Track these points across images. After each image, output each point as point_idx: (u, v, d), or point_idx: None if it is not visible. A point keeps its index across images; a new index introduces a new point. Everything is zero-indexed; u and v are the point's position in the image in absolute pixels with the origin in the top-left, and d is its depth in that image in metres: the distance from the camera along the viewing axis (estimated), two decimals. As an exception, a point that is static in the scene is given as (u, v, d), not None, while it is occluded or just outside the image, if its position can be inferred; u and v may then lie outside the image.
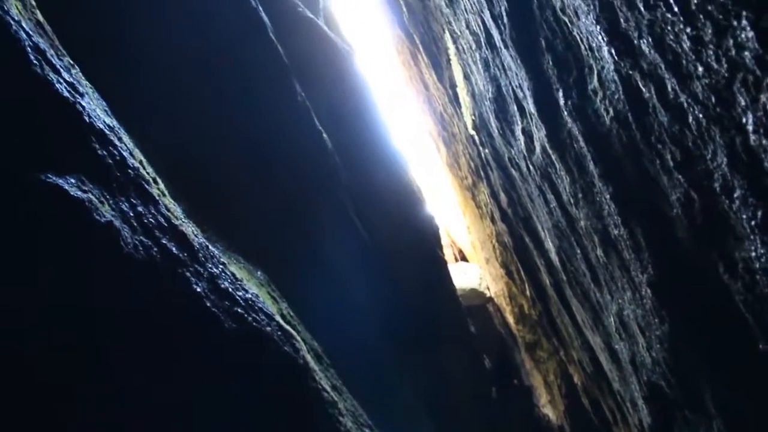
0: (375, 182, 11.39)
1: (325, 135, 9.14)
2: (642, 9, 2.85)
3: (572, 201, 5.70)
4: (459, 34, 8.46)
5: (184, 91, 6.52)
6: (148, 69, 6.09)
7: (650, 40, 2.94)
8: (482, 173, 12.35)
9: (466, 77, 9.54)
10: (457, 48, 9.41)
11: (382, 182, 11.67)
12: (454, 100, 11.72)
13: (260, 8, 8.61)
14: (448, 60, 10.89)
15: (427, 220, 13.27)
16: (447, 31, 9.76)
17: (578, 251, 6.50)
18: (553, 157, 5.71)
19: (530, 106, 5.72)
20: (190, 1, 7.02)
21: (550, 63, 4.70)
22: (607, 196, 4.64)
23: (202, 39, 6.98)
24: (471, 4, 6.74)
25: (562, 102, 4.75)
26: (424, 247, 12.46)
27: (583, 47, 3.99)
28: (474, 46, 7.56)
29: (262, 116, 7.48)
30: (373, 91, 12.83)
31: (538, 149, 6.22)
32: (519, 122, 6.59)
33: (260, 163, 7.15)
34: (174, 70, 6.44)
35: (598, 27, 3.43)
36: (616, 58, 3.42)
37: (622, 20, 3.11)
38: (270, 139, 7.45)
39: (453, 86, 11.34)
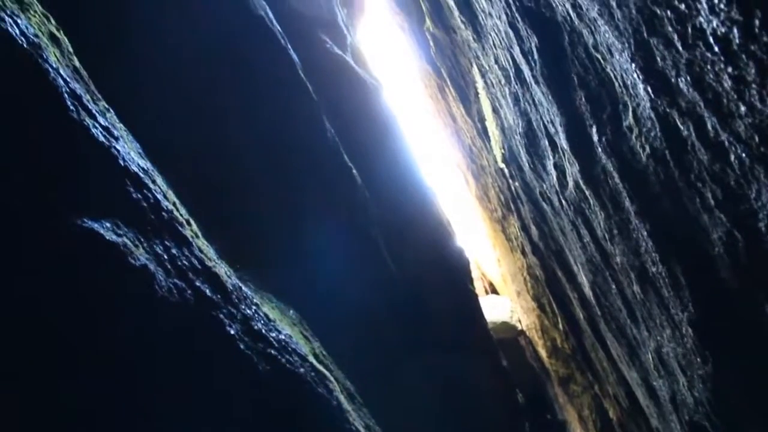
0: (404, 216, 11.34)
1: (354, 171, 9.15)
2: (680, 48, 2.81)
3: (607, 237, 5.61)
4: (487, 68, 8.46)
5: (215, 132, 6.58)
6: (181, 116, 6.16)
7: (688, 78, 2.89)
8: (512, 206, 12.26)
9: (495, 111, 9.53)
10: (485, 82, 9.42)
11: (411, 216, 11.62)
12: (483, 133, 11.70)
13: (289, 47, 8.72)
14: (476, 93, 10.89)
15: (457, 253, 13.17)
16: (475, 65, 9.78)
17: (613, 286, 6.39)
18: (587, 193, 5.64)
19: (562, 141, 5.67)
20: (222, 42, 7.13)
21: (583, 99, 4.66)
22: (645, 233, 4.56)
23: (233, 82, 7.07)
24: (500, 40, 6.74)
25: (595, 138, 4.70)
26: (454, 280, 12.35)
27: (617, 84, 3.94)
28: (503, 81, 7.55)
29: (294, 154, 7.51)
30: (402, 124, 12.86)
31: (570, 184, 6.15)
32: (550, 157, 6.53)
33: (292, 201, 7.18)
34: (203, 111, 6.52)
35: (634, 65, 3.39)
36: (652, 96, 3.38)
37: (658, 59, 3.07)
38: (301, 176, 7.49)
39: (481, 119, 11.33)
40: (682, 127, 3.24)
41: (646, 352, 6.32)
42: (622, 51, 3.46)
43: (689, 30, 2.64)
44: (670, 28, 2.79)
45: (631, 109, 3.88)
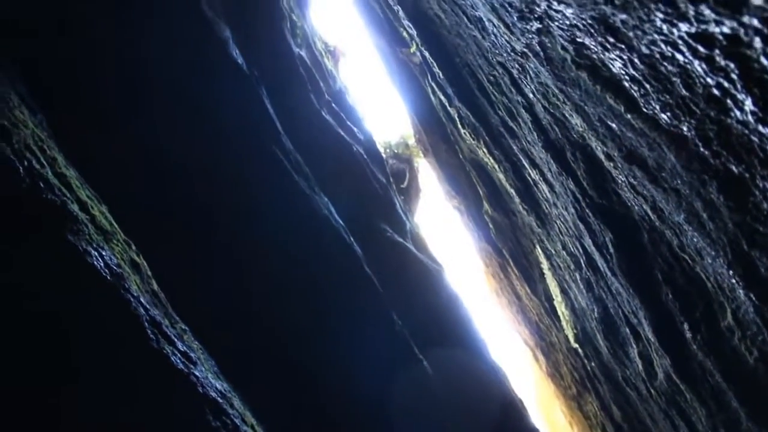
0: (475, 398, 10.89)
1: (424, 362, 8.91)
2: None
3: (711, 435, 5.16)
4: (553, 252, 8.38)
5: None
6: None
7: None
8: (589, 385, 11.67)
9: (564, 292, 9.32)
10: (551, 264, 9.30)
11: (481, 397, 11.14)
12: (551, 311, 11.41)
13: (352, 239, 8.86)
14: (541, 273, 10.75)
15: (532, 434, 12.42)
16: (538, 247, 9.72)
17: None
18: (682, 387, 5.27)
19: (647, 332, 5.41)
20: (290, 243, 7.29)
21: (670, 295, 4.47)
22: (760, 439, 4.16)
23: (305, 284, 7.15)
24: (567, 228, 6.70)
25: (689, 335, 4.44)
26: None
27: (709, 284, 3.76)
28: (573, 266, 7.42)
29: (364, 352, 7.39)
30: (466, 304, 12.69)
31: (660, 375, 5.79)
32: (633, 345, 6.22)
33: (375, 414, 6.96)
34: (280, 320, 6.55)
35: (731, 272, 3.23)
36: (757, 302, 3.18)
37: (762, 269, 2.91)
38: (374, 381, 7.30)
39: (548, 299, 11.09)
40: (796, 337, 3.00)
41: None
42: (716, 257, 3.31)
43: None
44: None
45: (729, 310, 3.67)
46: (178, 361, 4.04)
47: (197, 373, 4.10)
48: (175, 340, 4.25)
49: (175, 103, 6.56)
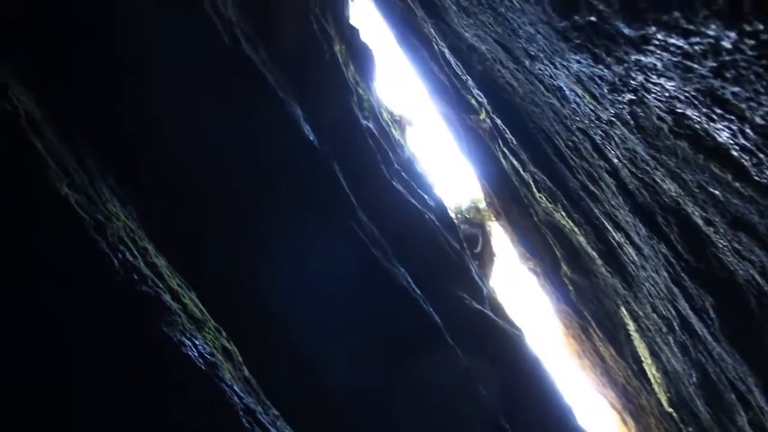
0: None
1: (507, 427, 8.64)
2: None
3: None
4: (641, 314, 8.08)
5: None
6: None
7: None
8: (686, 452, 11.04)
9: (654, 354, 8.94)
10: (638, 326, 8.97)
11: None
12: (640, 374, 10.96)
13: (431, 309, 8.77)
14: (627, 335, 10.38)
15: None
16: (623, 309, 9.40)
17: None
18: (802, 459, 4.91)
19: (759, 401, 5.08)
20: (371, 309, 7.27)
21: (785, 364, 4.20)
22: None
23: (386, 353, 7.08)
24: (657, 291, 6.46)
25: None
26: None
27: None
28: (664, 329, 7.12)
29: (449, 428, 7.21)
30: (549, 368, 12.32)
31: (775, 446, 5.42)
32: (742, 413, 5.87)
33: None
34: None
35: None
36: None
37: None
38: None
39: (637, 361, 10.67)
40: None
41: None
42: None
43: None
44: None
45: None
46: (274, 451, 4.01)
47: (294, 465, 4.06)
48: (269, 427, 4.23)
49: (254, 184, 6.73)
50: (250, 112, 7.22)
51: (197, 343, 4.25)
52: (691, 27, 1.95)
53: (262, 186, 6.97)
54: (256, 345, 5.16)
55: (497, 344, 10.63)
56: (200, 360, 4.12)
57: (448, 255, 11.05)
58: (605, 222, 6.64)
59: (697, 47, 2.03)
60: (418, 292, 8.71)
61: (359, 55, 13.16)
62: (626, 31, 2.30)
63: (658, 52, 2.27)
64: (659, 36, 2.16)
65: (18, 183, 3.65)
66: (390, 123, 13.00)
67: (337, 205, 8.00)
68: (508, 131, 7.96)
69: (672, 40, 2.12)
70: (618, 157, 4.51)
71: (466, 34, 6.69)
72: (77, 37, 5.64)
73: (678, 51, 2.15)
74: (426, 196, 11.70)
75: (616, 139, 4.13)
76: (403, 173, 11.53)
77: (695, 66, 2.14)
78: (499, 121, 8.14)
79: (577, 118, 4.69)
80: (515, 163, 9.07)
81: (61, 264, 3.60)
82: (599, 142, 4.66)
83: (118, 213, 4.76)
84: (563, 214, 8.31)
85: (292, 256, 6.70)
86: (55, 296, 3.44)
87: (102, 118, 5.72)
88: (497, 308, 12.55)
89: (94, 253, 3.87)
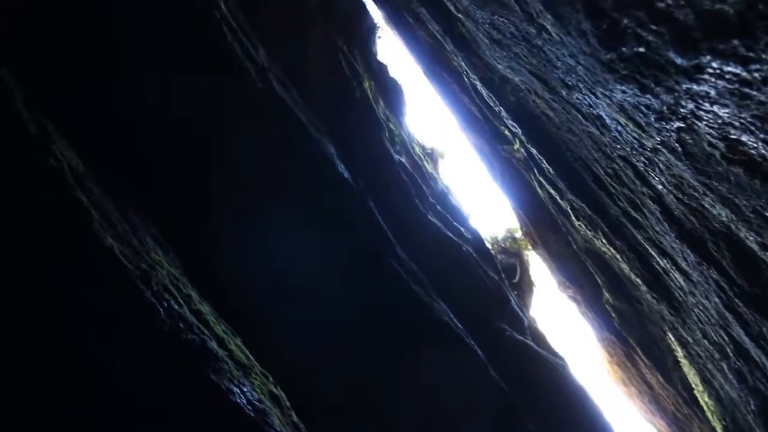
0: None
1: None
2: None
3: None
4: (690, 341, 7.87)
5: None
6: None
7: None
8: (744, 481, 10.66)
9: (707, 381, 8.68)
10: (687, 352, 8.73)
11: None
12: (691, 401, 10.65)
13: (473, 342, 8.65)
14: (676, 362, 10.11)
15: None
16: (670, 335, 9.18)
17: None
18: None
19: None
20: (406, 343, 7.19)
21: None
22: None
23: (430, 394, 7.00)
24: (707, 317, 6.28)
25: None
26: None
27: None
28: (717, 356, 6.91)
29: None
30: (595, 397, 12.05)
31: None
32: (805, 441, 5.64)
33: None
34: None
35: None
36: None
37: None
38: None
39: (687, 388, 10.38)
40: None
41: None
42: None
43: None
44: None
45: None
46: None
47: None
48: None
49: (296, 226, 6.74)
50: (286, 151, 7.27)
51: (245, 390, 4.22)
52: (751, 54, 1.90)
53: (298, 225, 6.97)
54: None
55: (542, 376, 10.45)
56: (249, 407, 4.09)
57: (486, 286, 10.95)
58: (649, 248, 6.51)
59: (756, 74, 1.97)
60: (461, 326, 8.61)
61: (388, 90, 13.27)
62: (678, 60, 2.25)
63: (713, 80, 2.22)
64: (714, 64, 2.11)
65: (65, 237, 3.68)
66: (422, 156, 13.01)
67: (377, 243, 7.98)
68: (544, 160, 7.89)
69: (729, 68, 2.06)
70: (663, 184, 4.42)
71: (499, 66, 6.69)
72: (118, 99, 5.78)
73: (735, 78, 2.10)
74: (462, 228, 11.64)
75: (661, 165, 4.05)
76: (438, 206, 11.51)
77: (753, 93, 2.08)
78: (534, 151, 8.08)
79: (618, 146, 4.62)
80: (552, 191, 8.98)
81: (109, 315, 3.61)
82: (642, 168, 4.58)
83: (162, 261, 4.79)
84: (604, 241, 8.18)
85: (333, 299, 6.69)
86: (104, 345, 3.44)
87: (141, 167, 5.81)
88: (539, 338, 12.36)
89: (140, 302, 3.88)
